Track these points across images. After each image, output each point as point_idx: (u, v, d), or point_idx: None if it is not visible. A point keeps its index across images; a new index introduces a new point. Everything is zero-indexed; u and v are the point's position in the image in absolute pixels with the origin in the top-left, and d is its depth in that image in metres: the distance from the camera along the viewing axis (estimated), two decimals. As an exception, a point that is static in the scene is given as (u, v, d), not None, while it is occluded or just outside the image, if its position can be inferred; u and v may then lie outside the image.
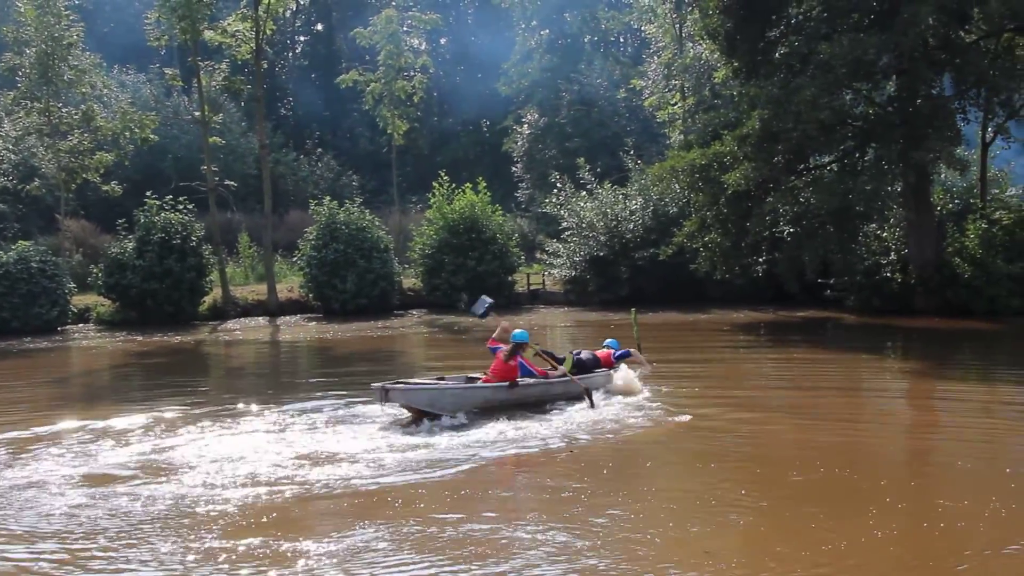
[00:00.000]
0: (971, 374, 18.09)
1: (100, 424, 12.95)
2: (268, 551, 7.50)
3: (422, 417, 12.50)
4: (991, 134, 29.38)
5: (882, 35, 24.53)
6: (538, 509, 8.61)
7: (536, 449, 10.94)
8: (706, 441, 11.70)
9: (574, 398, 13.56)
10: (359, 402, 14.21)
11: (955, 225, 28.61)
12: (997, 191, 30.44)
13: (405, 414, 12.91)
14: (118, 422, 13.05)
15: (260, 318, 34.46)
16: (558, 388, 13.80)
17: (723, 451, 11.17)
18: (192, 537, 7.83)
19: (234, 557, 7.39)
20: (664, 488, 9.51)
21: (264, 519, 8.37)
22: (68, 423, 13.20)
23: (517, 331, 13.76)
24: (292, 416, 13.13)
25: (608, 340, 15.97)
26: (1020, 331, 24.28)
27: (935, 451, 11.58)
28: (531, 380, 13.61)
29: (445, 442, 11.27)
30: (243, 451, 10.88)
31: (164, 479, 9.71)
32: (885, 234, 29.69)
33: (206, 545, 7.66)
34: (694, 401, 14.03)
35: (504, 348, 13.49)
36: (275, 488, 9.27)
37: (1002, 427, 12.64)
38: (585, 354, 14.90)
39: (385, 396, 12.44)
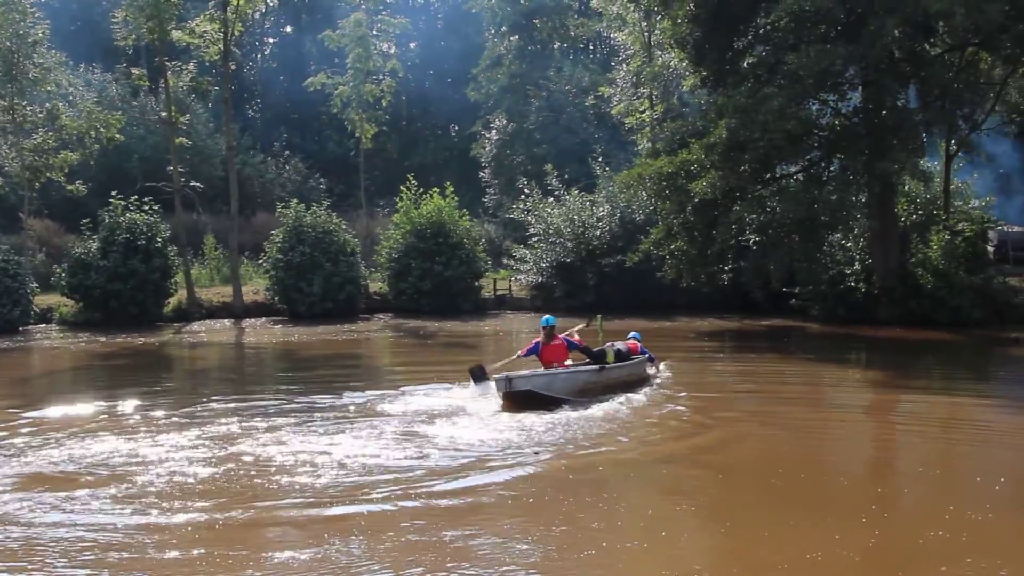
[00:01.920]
0: (933, 384, 18.19)
1: (54, 426, 12.69)
2: (217, 564, 7.32)
3: (521, 409, 13.37)
4: (954, 147, 29.61)
5: (849, 47, 24.64)
6: (506, 518, 8.48)
7: (505, 456, 10.81)
8: (671, 449, 11.62)
9: (636, 384, 15.64)
10: (323, 407, 14.07)
11: (919, 236, 28.81)
12: (960, 203, 30.65)
13: (361, 423, 12.79)
14: (74, 424, 12.78)
15: (225, 320, 34.06)
16: (635, 372, 16.06)
17: (688, 459, 11.10)
18: (135, 548, 7.64)
19: (179, 571, 7.21)
20: (631, 495, 9.41)
21: (215, 529, 8.16)
22: (21, 425, 12.93)
23: (544, 318, 15.79)
24: (253, 421, 12.90)
25: (632, 332, 17.34)
26: (981, 342, 24.45)
27: (901, 459, 11.59)
28: (615, 365, 15.33)
29: (415, 448, 11.11)
30: (198, 457, 10.63)
31: (114, 485, 9.44)
32: (849, 244, 29.81)
33: (149, 556, 7.47)
34: (657, 408, 14.01)
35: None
36: (231, 497, 9.06)
37: (964, 436, 12.65)
38: (619, 345, 16.24)
39: (509, 384, 13.59)
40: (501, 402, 13.82)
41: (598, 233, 35.65)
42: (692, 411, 13.99)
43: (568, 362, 15.18)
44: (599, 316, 19.11)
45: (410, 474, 9.88)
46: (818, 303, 29.69)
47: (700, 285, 31.06)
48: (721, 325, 29.62)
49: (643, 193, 31.80)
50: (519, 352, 15.50)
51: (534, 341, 15.49)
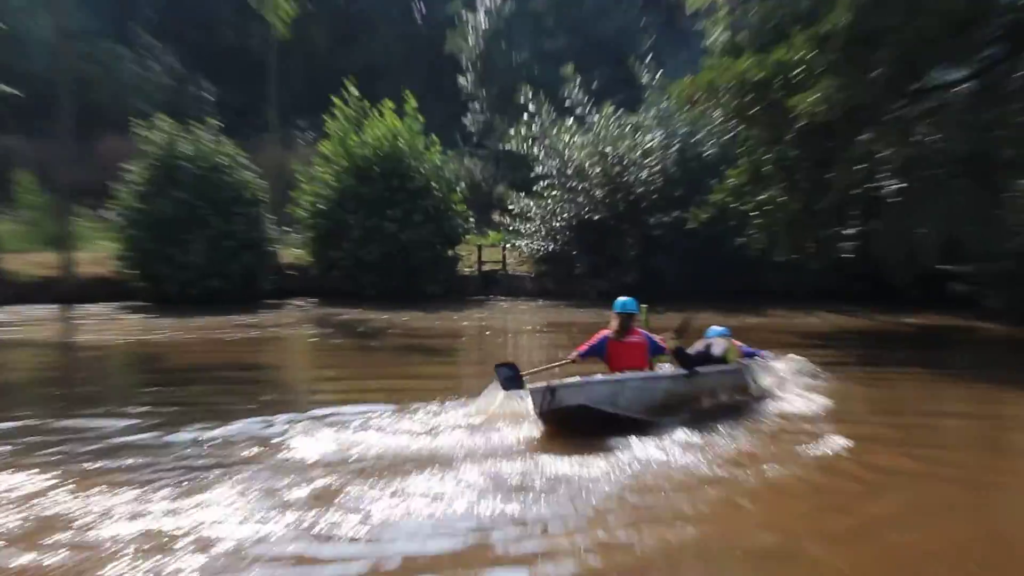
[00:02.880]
0: None
1: None
2: None
3: (566, 430, 13.45)
4: None
5: None
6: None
7: (493, 532, 10.31)
8: (790, 521, 11.12)
9: (738, 402, 16.31)
10: (200, 444, 13.76)
11: None
12: None
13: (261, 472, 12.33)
14: None
15: (49, 305, 34.10)
16: (739, 382, 16.74)
17: (824, 541, 10.58)
18: None
19: None
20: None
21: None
22: None
23: (622, 299, 15.66)
24: (82, 467, 12.51)
25: (715, 328, 17.54)
26: None
27: None
28: (710, 370, 15.91)
29: (348, 516, 10.64)
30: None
31: None
32: (1050, 197, 29.60)
33: None
34: (765, 446, 13.74)
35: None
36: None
37: None
38: (718, 348, 16.69)
39: (551, 397, 13.35)
40: (541, 424, 13.85)
41: (644, 175, 35.47)
42: (822, 457, 13.49)
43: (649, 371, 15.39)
44: (644, 307, 18.81)
45: (340, 566, 9.37)
46: (998, 290, 29.54)
47: (806, 260, 30.93)
48: (840, 323, 29.59)
49: (715, 113, 31.53)
50: (573, 353, 15.50)
51: (600, 334, 15.49)
